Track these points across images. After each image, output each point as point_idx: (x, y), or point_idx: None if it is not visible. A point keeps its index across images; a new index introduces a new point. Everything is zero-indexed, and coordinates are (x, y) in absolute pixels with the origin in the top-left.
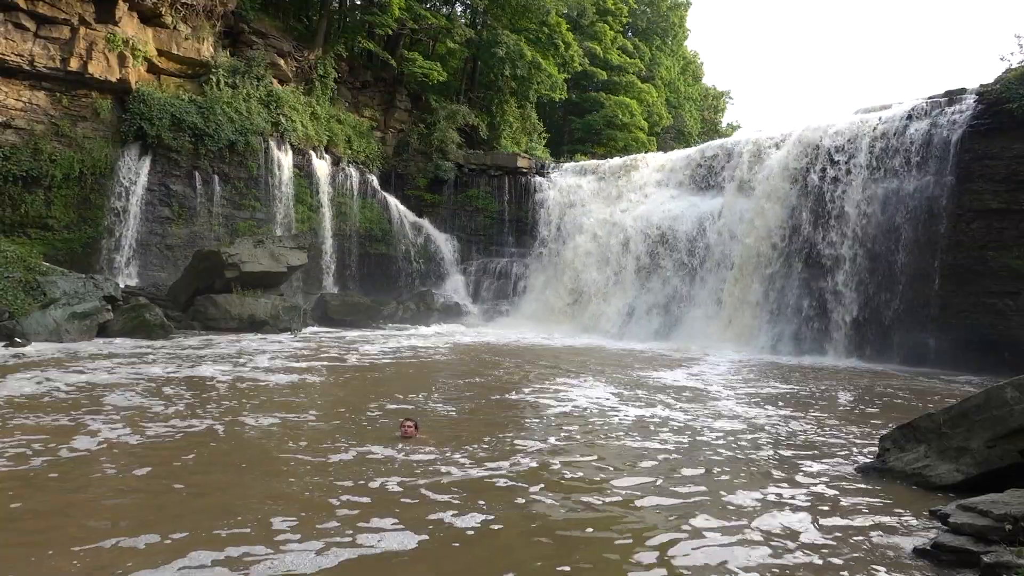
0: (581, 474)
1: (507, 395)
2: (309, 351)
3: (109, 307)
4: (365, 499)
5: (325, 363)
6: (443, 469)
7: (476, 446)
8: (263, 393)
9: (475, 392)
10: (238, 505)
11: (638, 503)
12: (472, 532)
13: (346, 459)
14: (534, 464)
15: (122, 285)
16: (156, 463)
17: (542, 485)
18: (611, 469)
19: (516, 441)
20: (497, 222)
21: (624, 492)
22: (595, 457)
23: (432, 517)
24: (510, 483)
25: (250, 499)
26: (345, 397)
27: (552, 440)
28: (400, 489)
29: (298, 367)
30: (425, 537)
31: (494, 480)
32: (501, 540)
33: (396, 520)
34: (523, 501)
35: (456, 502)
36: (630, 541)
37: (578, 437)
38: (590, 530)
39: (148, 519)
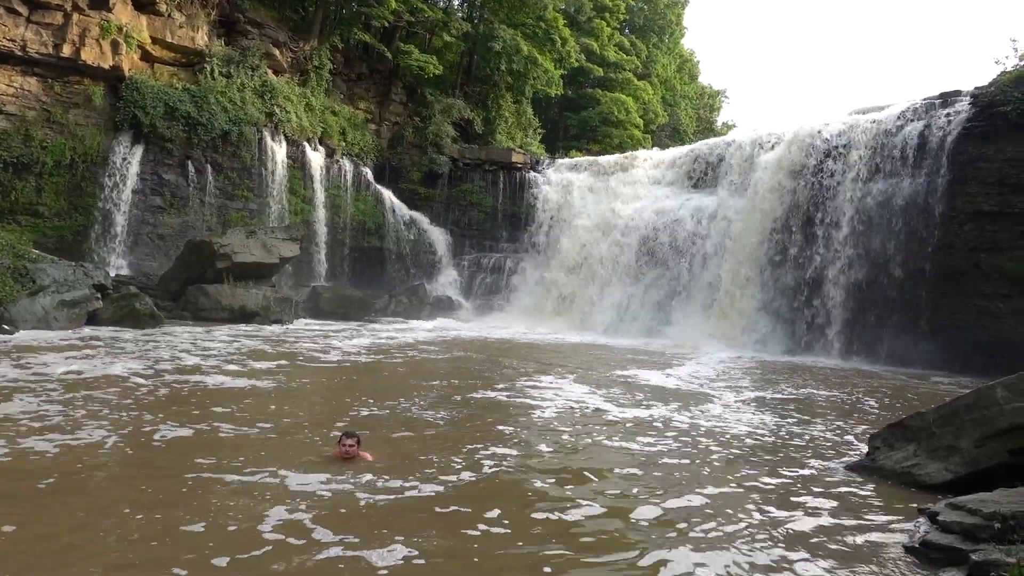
0: (551, 490)
1: (488, 396)
2: (294, 344)
3: (99, 295)
4: (238, 545)
5: (306, 359)
6: (370, 496)
7: (435, 459)
8: (215, 395)
9: (456, 393)
10: None
11: (615, 520)
12: (384, 573)
13: (250, 482)
14: (497, 480)
15: (113, 274)
16: None
17: (499, 511)
18: (590, 480)
19: (485, 451)
20: (491, 217)
21: (600, 509)
22: (572, 468)
23: (331, 556)
24: (458, 508)
25: (32, 565)
26: (314, 400)
27: (527, 449)
28: (307, 519)
29: (273, 367)
30: None
31: (440, 502)
32: None
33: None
34: (469, 531)
35: (377, 535)
36: (601, 567)
37: (558, 445)
38: (548, 569)
39: None
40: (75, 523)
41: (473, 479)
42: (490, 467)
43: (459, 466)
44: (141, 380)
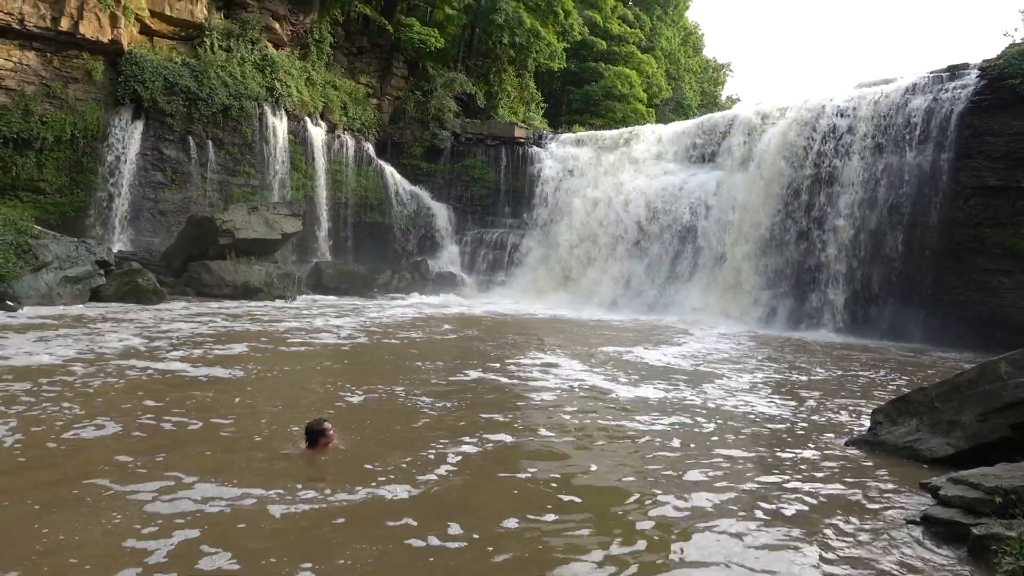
0: (533, 491)
1: (486, 377)
2: (292, 321)
3: (102, 271)
4: None
5: (300, 338)
6: (294, 507)
7: (413, 452)
8: (183, 385)
9: (452, 374)
10: None
11: (603, 505)
12: None
13: (147, 496)
14: (476, 478)
15: (115, 250)
16: None
17: (466, 519)
18: (580, 473)
19: (471, 440)
20: (493, 192)
21: (585, 495)
22: (561, 459)
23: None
24: (416, 518)
25: None
26: (294, 386)
27: (520, 437)
28: (204, 544)
29: (258, 348)
30: None
31: (396, 512)
32: None
33: None
34: (416, 541)
35: (286, 561)
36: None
37: (553, 431)
38: None
39: None
40: None
41: (449, 477)
42: (471, 461)
43: (435, 461)
44: (81, 368)
